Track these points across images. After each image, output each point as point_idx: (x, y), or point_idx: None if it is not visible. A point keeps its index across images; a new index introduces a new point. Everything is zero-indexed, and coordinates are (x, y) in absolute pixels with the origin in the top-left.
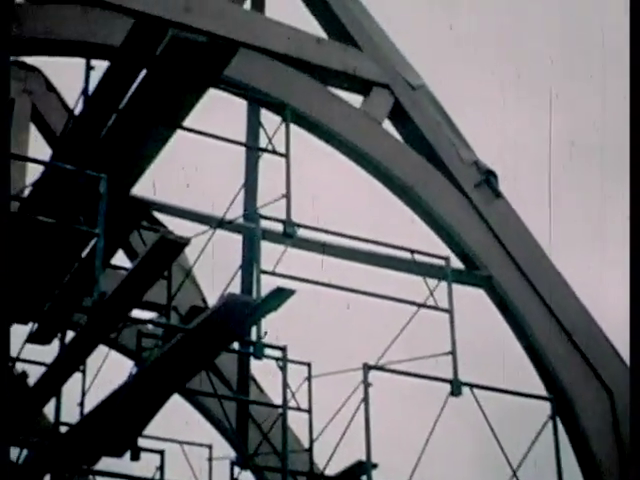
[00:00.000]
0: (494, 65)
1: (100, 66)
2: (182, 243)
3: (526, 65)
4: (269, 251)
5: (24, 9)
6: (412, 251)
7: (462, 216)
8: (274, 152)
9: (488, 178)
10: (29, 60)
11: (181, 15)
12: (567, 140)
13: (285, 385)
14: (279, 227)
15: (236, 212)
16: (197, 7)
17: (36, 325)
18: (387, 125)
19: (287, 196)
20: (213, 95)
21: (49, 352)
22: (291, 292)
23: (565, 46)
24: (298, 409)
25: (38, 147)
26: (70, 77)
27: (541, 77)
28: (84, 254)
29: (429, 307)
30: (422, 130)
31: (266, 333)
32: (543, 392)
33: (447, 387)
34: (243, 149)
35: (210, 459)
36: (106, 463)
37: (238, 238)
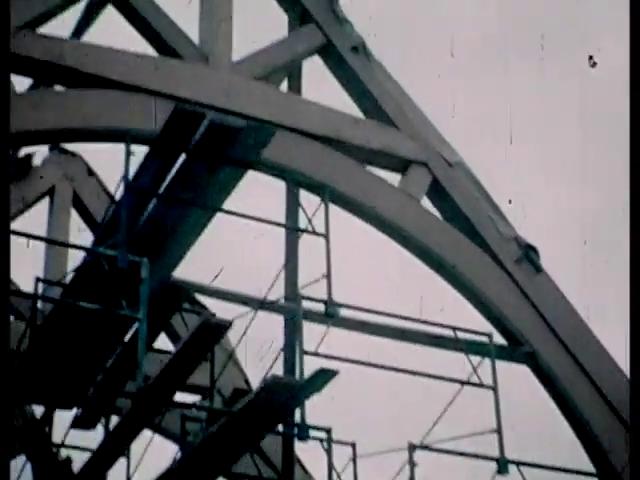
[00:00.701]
0: (527, 141)
1: (140, 151)
2: (224, 326)
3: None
4: (311, 331)
5: (63, 96)
6: (454, 328)
7: (503, 292)
8: (314, 232)
9: (528, 253)
10: (69, 146)
11: (219, 99)
12: (603, 211)
13: (330, 467)
14: (321, 307)
15: (277, 293)
16: (234, 91)
17: (80, 410)
18: (425, 202)
19: (328, 276)
20: (252, 176)
21: (93, 437)
22: (334, 373)
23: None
24: None
25: (79, 233)
26: (110, 162)
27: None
28: (126, 338)
29: (473, 384)
30: (461, 206)
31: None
32: (591, 467)
33: (493, 465)
34: (283, 229)
35: None
36: None
37: (280, 319)
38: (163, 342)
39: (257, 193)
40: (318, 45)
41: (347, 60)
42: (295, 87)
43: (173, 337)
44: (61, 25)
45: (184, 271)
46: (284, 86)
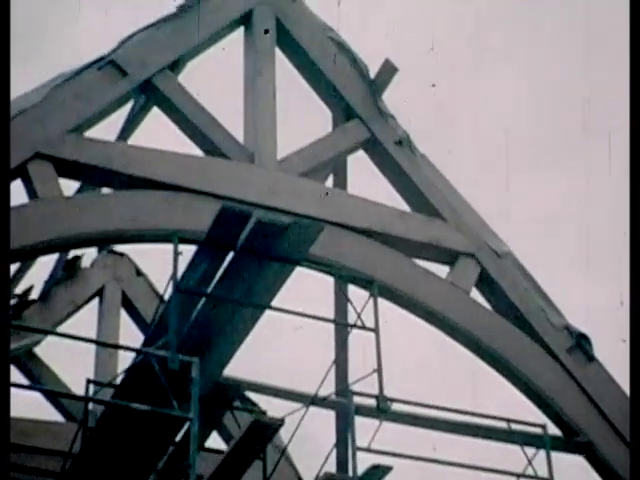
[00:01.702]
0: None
1: (188, 250)
2: (276, 425)
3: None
4: (363, 426)
5: (111, 198)
6: (508, 420)
7: (556, 382)
8: (363, 327)
9: (580, 342)
10: (118, 246)
11: (265, 197)
12: None
13: None
14: (372, 402)
15: (328, 388)
16: (280, 188)
17: None
18: (475, 293)
19: (379, 371)
20: (300, 272)
21: None
22: (388, 469)
23: None
24: None
25: (129, 333)
26: (158, 261)
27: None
28: (178, 438)
29: (529, 477)
30: (510, 297)
31: None
32: None
33: None
34: (332, 324)
35: None
36: None
37: (331, 414)
38: (215, 441)
39: (305, 288)
40: (362, 140)
41: (392, 154)
42: (340, 182)
43: (225, 436)
44: (107, 128)
45: (234, 368)
46: (329, 182)
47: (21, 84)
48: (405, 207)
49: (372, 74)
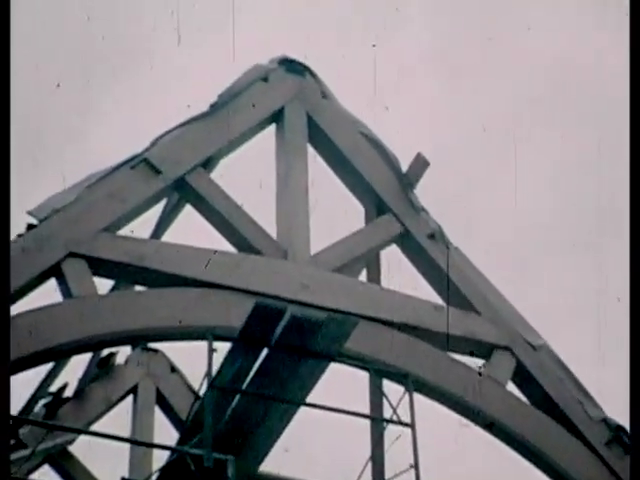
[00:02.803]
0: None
1: (222, 347)
2: None
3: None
4: None
5: (145, 295)
6: None
7: (595, 475)
8: (399, 423)
9: (619, 434)
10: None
11: (299, 292)
12: None
13: None
14: None
15: None
16: (314, 283)
17: None
18: (511, 387)
19: (415, 466)
20: (334, 367)
21: None
22: None
23: None
24: None
25: (164, 430)
26: (192, 357)
27: None
28: None
29: None
30: (547, 390)
31: None
32: None
33: None
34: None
35: None
36: None
37: None
38: None
39: (340, 384)
40: (395, 234)
41: (425, 247)
42: (374, 277)
43: None
44: (140, 225)
45: (270, 464)
46: (363, 276)
47: (51, 186)
48: (439, 300)
49: (404, 168)
